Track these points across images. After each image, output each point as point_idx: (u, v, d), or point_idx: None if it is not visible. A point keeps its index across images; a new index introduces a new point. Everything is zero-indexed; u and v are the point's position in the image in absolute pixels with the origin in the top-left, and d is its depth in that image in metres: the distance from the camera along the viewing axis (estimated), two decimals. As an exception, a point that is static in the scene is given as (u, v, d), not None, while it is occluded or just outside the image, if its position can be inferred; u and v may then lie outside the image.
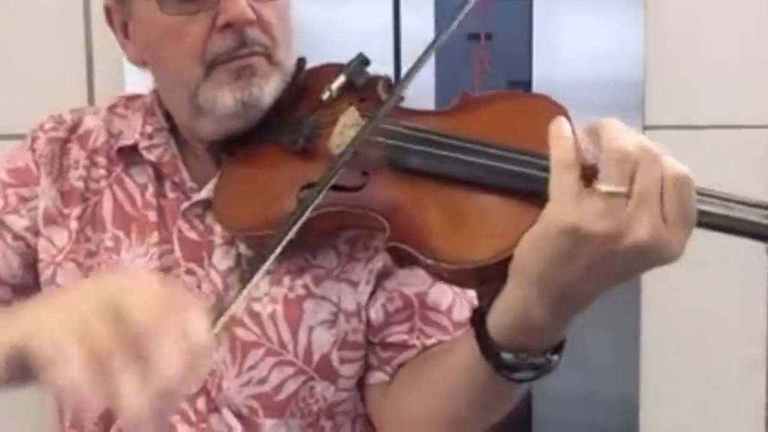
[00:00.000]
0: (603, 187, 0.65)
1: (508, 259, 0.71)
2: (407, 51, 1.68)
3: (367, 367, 0.96)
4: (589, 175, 0.67)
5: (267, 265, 0.75)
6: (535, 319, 0.71)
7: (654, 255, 0.66)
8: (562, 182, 0.67)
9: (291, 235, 0.77)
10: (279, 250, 0.76)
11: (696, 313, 1.86)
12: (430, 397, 0.88)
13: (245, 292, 0.73)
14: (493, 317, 0.75)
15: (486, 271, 0.74)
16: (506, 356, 0.75)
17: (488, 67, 1.72)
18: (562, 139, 0.68)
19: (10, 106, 1.61)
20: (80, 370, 0.57)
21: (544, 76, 1.72)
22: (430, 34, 1.70)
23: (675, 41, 1.81)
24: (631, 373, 1.83)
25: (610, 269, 0.67)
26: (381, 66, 0.94)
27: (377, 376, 0.95)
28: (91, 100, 1.69)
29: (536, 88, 1.71)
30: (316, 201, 0.79)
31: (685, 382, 1.87)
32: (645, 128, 1.74)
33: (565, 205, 0.66)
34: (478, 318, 0.77)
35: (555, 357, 0.76)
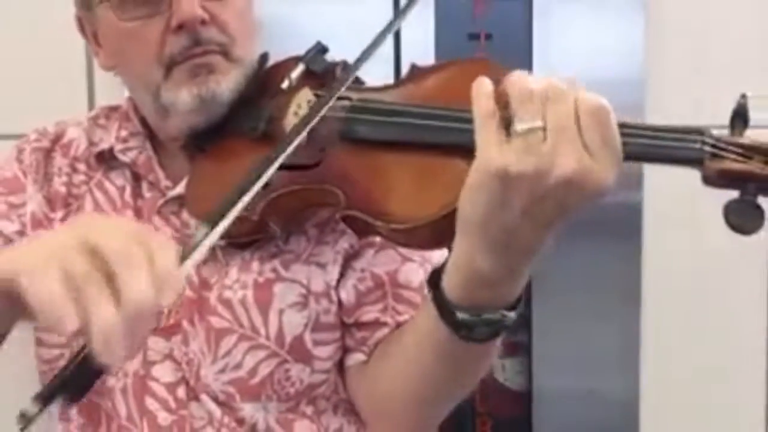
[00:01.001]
0: (518, 126, 0.68)
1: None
2: (407, 51, 1.68)
3: (346, 350, 0.98)
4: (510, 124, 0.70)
5: (236, 210, 0.77)
6: (483, 271, 0.73)
7: (584, 188, 0.68)
8: (485, 132, 0.70)
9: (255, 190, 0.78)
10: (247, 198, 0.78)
11: (696, 313, 1.86)
12: (401, 369, 0.90)
13: (211, 236, 0.74)
14: (446, 276, 0.77)
15: (438, 228, 0.76)
16: (462, 315, 0.76)
17: (488, 67, 1.72)
18: (482, 94, 0.71)
19: (11, 107, 1.61)
20: (56, 285, 0.61)
21: (544, 76, 1.72)
22: (430, 34, 1.72)
23: (675, 41, 1.81)
24: (631, 373, 1.83)
25: (545, 209, 0.69)
26: (341, 55, 0.96)
27: (354, 357, 0.97)
28: (91, 101, 1.69)
29: (536, 88, 1.71)
30: (271, 170, 0.80)
31: (685, 382, 1.87)
32: (645, 128, 1.73)
33: (491, 151, 0.69)
34: (434, 280, 0.79)
35: (511, 314, 0.77)
